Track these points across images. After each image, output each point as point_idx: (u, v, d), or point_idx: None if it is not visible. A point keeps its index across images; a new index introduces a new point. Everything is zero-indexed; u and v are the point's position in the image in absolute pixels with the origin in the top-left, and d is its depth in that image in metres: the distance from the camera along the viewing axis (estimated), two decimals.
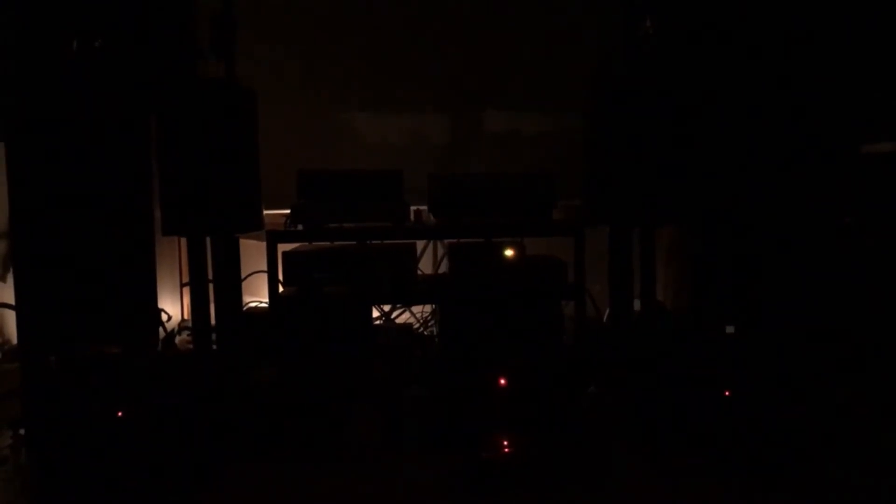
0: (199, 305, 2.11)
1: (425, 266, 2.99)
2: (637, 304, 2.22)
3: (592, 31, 2.80)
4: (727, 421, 1.90)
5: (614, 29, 2.18)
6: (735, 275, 2.10)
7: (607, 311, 2.37)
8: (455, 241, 2.50)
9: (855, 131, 2.22)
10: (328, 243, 2.49)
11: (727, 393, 1.96)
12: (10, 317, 2.43)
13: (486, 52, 2.97)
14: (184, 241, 2.15)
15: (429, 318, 2.82)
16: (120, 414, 1.80)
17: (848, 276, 2.19)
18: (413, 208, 2.48)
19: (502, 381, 1.99)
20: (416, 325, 2.80)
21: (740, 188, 2.07)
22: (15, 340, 2.35)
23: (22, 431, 1.91)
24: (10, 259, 2.29)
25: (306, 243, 2.51)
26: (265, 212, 2.29)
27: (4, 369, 2.34)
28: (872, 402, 2.08)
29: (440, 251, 3.03)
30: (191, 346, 2.24)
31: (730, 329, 2.19)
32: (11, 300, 2.01)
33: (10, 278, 2.03)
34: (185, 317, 2.90)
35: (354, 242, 2.48)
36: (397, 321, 2.86)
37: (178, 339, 2.63)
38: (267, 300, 2.39)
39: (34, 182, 1.90)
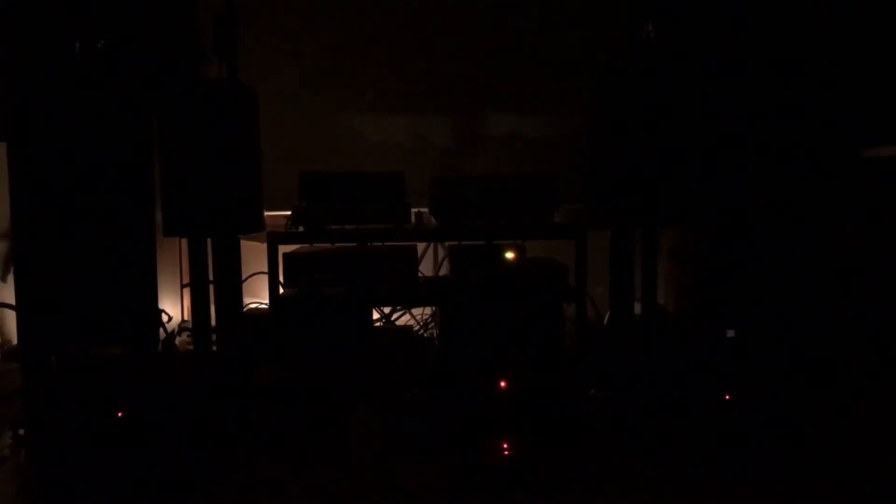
0: (199, 306, 2.11)
1: (426, 268, 2.99)
2: (638, 308, 2.22)
3: (594, 34, 2.80)
4: (727, 424, 1.90)
5: (616, 32, 2.18)
6: (736, 279, 2.10)
7: (608, 314, 2.37)
8: (456, 243, 2.50)
9: (856, 135, 2.22)
10: (329, 245, 2.49)
11: (727, 397, 1.96)
12: (11, 317, 2.43)
13: (489, 55, 2.97)
14: (184, 241, 2.16)
15: (429, 320, 2.82)
16: (120, 414, 1.80)
17: (849, 281, 2.19)
18: (414, 210, 2.48)
19: (502, 384, 1.99)
20: (417, 328, 2.80)
21: (742, 192, 2.07)
22: (15, 341, 2.35)
23: (22, 431, 1.91)
24: (10, 259, 2.29)
25: (307, 245, 2.51)
26: (266, 213, 2.29)
27: (5, 369, 2.34)
28: (873, 405, 2.08)
29: (441, 253, 3.02)
30: (191, 346, 2.24)
31: (730, 333, 2.19)
32: (12, 300, 2.01)
33: (10, 278, 2.03)
34: (186, 317, 2.89)
35: (355, 244, 2.48)
36: (397, 323, 2.86)
37: (178, 340, 2.62)
38: (267, 301, 2.39)
39: (36, 182, 1.90)
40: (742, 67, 2.06)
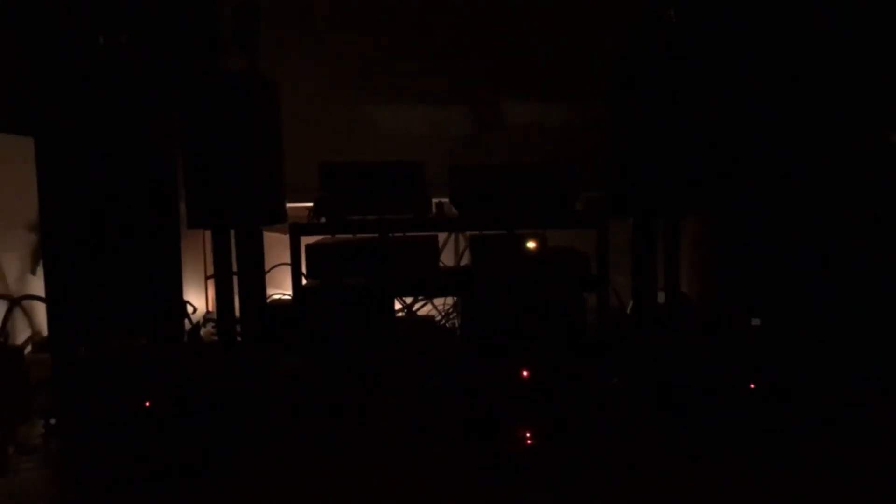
0: (223, 298, 2.13)
1: (447, 258, 2.99)
2: (661, 297, 2.20)
3: (615, 21, 2.77)
4: (752, 414, 1.88)
5: (637, 18, 2.15)
6: (760, 266, 2.08)
7: (631, 304, 2.35)
8: (477, 233, 2.50)
9: (884, 120, 2.17)
10: (350, 235, 2.50)
11: (752, 385, 1.94)
12: (41, 309, 2.48)
13: (507, 43, 2.96)
14: (208, 233, 2.18)
15: (451, 310, 2.82)
16: (147, 404, 1.83)
17: (876, 267, 2.15)
18: (435, 200, 2.47)
19: (524, 374, 1.99)
20: (438, 318, 2.81)
21: (766, 178, 2.05)
22: (45, 332, 2.40)
23: (53, 421, 1.95)
24: (40, 252, 2.33)
25: (329, 236, 2.53)
26: (288, 204, 2.31)
27: (35, 360, 2.38)
28: None
29: (462, 243, 3.02)
30: (216, 337, 2.26)
31: (755, 321, 2.17)
32: (41, 292, 2.04)
33: (40, 271, 2.06)
34: (210, 309, 2.93)
35: (377, 235, 2.49)
36: (419, 313, 2.87)
37: (203, 331, 2.66)
38: (290, 292, 2.41)
39: (62, 176, 1.93)
40: (765, 52, 2.03)
